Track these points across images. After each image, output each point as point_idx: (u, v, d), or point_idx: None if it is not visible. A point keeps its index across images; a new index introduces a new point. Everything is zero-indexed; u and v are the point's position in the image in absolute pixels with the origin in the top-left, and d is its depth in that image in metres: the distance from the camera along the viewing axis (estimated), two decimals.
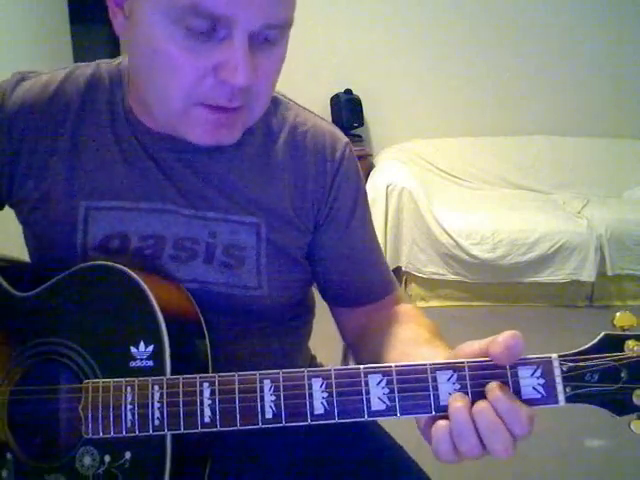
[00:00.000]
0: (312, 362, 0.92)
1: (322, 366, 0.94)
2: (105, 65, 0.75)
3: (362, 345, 0.78)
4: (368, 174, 3.11)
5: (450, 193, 3.32)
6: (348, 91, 3.51)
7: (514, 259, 2.86)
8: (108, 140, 0.71)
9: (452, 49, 3.61)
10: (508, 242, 2.85)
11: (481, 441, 0.51)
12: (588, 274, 2.84)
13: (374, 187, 2.92)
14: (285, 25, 0.61)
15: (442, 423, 0.52)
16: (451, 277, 2.93)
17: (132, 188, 0.70)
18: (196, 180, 0.71)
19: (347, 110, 3.45)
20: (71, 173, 0.71)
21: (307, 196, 0.74)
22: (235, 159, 0.72)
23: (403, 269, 2.96)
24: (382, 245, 2.90)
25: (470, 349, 0.55)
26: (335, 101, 3.49)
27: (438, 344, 0.66)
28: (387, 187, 2.90)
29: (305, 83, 3.37)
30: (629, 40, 3.54)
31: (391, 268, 3.21)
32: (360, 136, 3.54)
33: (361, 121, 3.53)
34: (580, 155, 3.48)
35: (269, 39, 0.60)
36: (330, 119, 3.46)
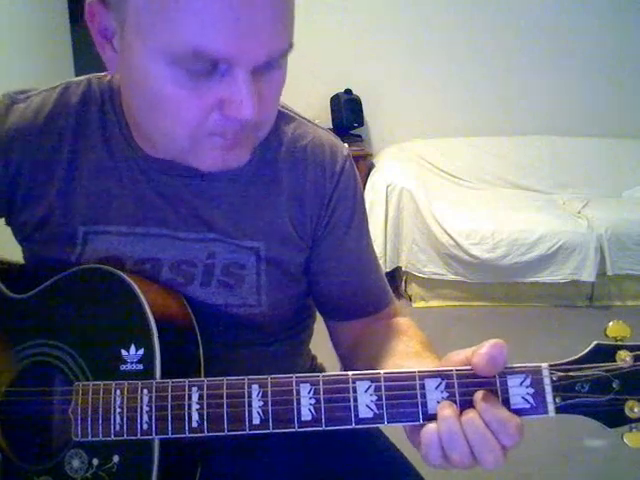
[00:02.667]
0: (313, 362, 0.92)
1: (322, 366, 0.94)
2: (96, 81, 0.74)
3: (354, 357, 0.77)
4: (368, 174, 3.11)
5: (450, 193, 3.31)
6: (348, 91, 3.51)
7: (514, 259, 2.85)
8: (105, 164, 0.70)
9: (452, 49, 3.60)
10: (508, 242, 2.85)
11: (471, 451, 0.51)
12: (588, 274, 2.84)
13: (374, 187, 2.92)
14: (287, 51, 0.59)
15: (431, 427, 0.52)
16: (451, 277, 2.93)
17: (129, 212, 0.70)
18: (195, 202, 0.70)
19: (347, 110, 3.44)
20: (69, 198, 0.70)
21: (306, 212, 0.73)
22: (234, 181, 0.71)
23: (403, 269, 2.95)
24: (382, 245, 2.90)
25: (457, 358, 0.54)
26: (335, 101, 3.49)
27: (427, 355, 0.65)
28: (387, 187, 2.90)
29: (305, 83, 3.37)
30: (629, 40, 3.54)
31: (391, 268, 3.19)
32: (360, 136, 3.54)
33: (361, 121, 3.53)
34: (580, 155, 3.48)
35: (271, 65, 0.58)
36: (330, 119, 3.47)
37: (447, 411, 0.52)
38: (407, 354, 0.67)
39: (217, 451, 0.68)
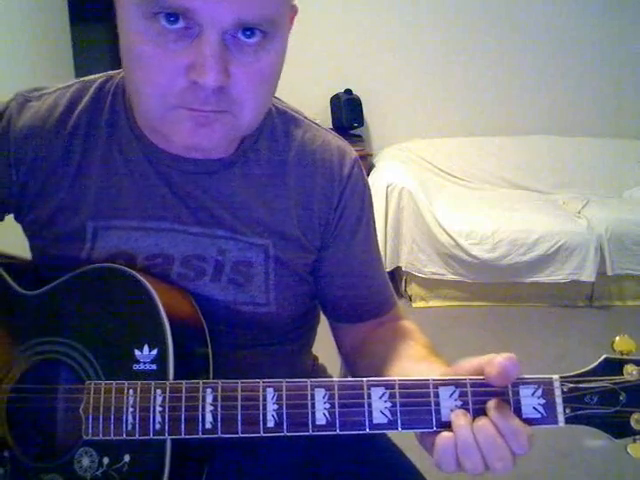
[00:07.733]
0: (315, 363, 0.92)
1: (324, 367, 0.94)
2: (111, 78, 0.74)
3: (360, 359, 0.78)
4: (368, 174, 3.11)
5: (450, 193, 3.32)
6: (348, 91, 3.51)
7: (514, 259, 2.85)
8: (115, 159, 0.70)
9: (452, 49, 3.60)
10: (508, 242, 2.85)
11: (483, 458, 0.51)
12: (588, 274, 2.84)
13: (374, 187, 2.89)
14: (264, 23, 0.56)
15: (446, 435, 0.52)
16: (451, 277, 2.93)
17: (140, 207, 0.70)
18: (205, 199, 0.70)
19: (347, 110, 3.44)
20: (79, 195, 0.70)
21: (314, 215, 0.74)
22: (242, 179, 0.71)
23: (403, 269, 2.95)
24: (382, 245, 2.90)
25: (469, 365, 0.55)
26: (335, 101, 3.49)
27: (435, 360, 0.66)
28: (387, 187, 2.90)
29: (305, 83, 3.37)
30: (629, 40, 3.54)
31: (391, 268, 3.18)
32: (360, 136, 3.54)
33: (361, 121, 3.53)
34: (580, 155, 3.48)
35: (251, 40, 0.57)
36: (330, 119, 3.47)
37: (462, 420, 0.52)
38: (415, 358, 0.68)
39: (221, 449, 0.68)
